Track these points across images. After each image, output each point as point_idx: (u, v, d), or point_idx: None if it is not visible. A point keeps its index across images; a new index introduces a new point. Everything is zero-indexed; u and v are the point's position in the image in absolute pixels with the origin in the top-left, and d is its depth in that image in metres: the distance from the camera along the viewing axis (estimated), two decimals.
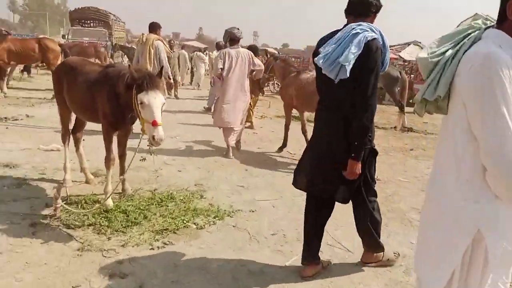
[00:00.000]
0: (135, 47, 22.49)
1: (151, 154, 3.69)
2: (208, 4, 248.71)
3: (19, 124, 7.15)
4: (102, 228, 3.33)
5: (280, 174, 5.41)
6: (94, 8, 22.95)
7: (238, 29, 6.09)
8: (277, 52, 31.70)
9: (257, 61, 6.26)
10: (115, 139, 4.02)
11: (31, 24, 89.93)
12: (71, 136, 4.46)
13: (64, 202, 3.71)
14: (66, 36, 21.34)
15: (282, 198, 4.47)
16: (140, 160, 3.84)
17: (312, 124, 3.09)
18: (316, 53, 2.63)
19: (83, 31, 21.40)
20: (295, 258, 3.09)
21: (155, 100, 3.26)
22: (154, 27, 7.05)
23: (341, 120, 2.58)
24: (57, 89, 4.21)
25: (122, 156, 4.11)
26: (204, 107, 10.87)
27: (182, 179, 4.84)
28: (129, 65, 3.35)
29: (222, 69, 5.88)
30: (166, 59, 7.05)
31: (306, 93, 5.90)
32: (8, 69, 12.30)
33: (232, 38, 6.01)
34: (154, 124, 3.23)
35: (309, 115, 6.78)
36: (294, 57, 29.12)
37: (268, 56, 7.33)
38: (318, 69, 2.62)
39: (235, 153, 6.28)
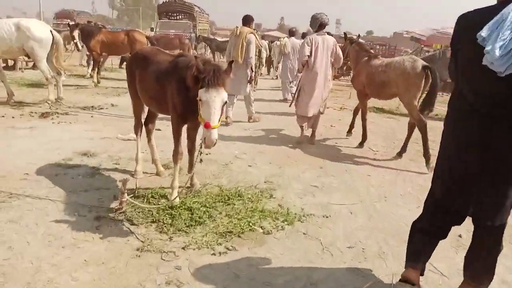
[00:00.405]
0: (217, 39, 23.26)
1: (200, 161, 3.47)
2: None
3: (104, 113, 7.47)
4: (165, 226, 3.15)
5: (360, 174, 4.86)
6: (180, 1, 23.71)
7: (326, 15, 5.93)
8: (359, 35, 29.87)
9: (339, 49, 6.02)
10: (185, 133, 3.84)
11: (127, 19, 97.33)
12: (143, 127, 4.40)
13: (132, 195, 3.65)
14: (154, 29, 22.44)
15: (361, 203, 3.95)
16: (206, 154, 3.60)
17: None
18: (462, 36, 2.13)
19: (169, 24, 22.30)
20: (374, 282, 2.61)
21: (214, 99, 2.96)
22: (247, 20, 7.07)
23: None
24: (129, 79, 4.15)
25: (191, 151, 3.92)
26: (280, 100, 10.56)
27: (251, 175, 4.55)
28: (195, 56, 3.05)
29: (309, 56, 5.74)
30: (254, 52, 7.02)
31: (377, 81, 5.61)
32: (101, 60, 13.22)
33: (321, 24, 5.85)
34: (207, 126, 2.96)
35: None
36: (380, 44, 27.48)
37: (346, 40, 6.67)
38: (465, 59, 2.11)
39: (308, 148, 5.86)
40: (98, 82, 10.97)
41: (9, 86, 7.91)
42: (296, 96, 6.22)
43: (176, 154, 3.64)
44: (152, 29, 23.25)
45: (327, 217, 3.56)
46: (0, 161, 4.44)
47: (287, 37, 11.08)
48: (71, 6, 39.06)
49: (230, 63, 3.15)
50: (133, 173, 4.32)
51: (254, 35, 6.99)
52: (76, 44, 11.49)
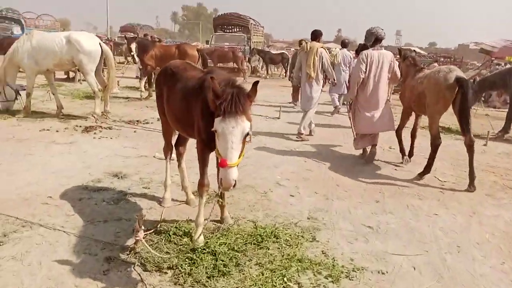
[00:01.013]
0: (272, 51, 22.93)
1: (218, 201, 3.07)
2: (347, 4, 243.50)
3: (148, 128, 7.23)
4: (182, 275, 2.64)
5: (425, 213, 4.05)
6: (236, 14, 23.78)
7: (382, 29, 5.64)
8: (414, 50, 28.39)
9: (396, 65, 5.68)
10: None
11: (187, 33, 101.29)
12: (173, 150, 3.98)
13: (153, 229, 3.20)
14: (209, 42, 22.65)
15: (427, 254, 3.18)
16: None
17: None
18: None
19: (224, 37, 22.41)
20: None
21: (231, 131, 2.39)
22: (316, 35, 7.06)
23: None
24: (158, 96, 3.75)
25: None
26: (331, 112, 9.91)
27: (293, 208, 3.94)
28: (211, 77, 2.49)
29: (365, 72, 5.50)
30: (330, 66, 7.05)
31: (415, 94, 5.32)
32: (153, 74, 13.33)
33: (377, 38, 5.58)
34: (223, 164, 2.38)
35: None
36: (444, 57, 25.61)
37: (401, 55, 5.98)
38: None
39: (362, 175, 5.14)
40: (150, 95, 10.93)
41: (59, 99, 7.99)
42: (351, 117, 5.94)
43: (201, 185, 3.12)
44: (207, 42, 23.48)
45: (383, 273, 2.85)
46: (30, 182, 4.23)
47: (339, 48, 10.75)
48: (137, 20, 41.08)
49: (255, 83, 2.56)
50: (161, 200, 3.90)
51: (325, 49, 7.02)
52: (133, 56, 11.61)
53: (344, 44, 10.60)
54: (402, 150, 5.88)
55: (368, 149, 5.91)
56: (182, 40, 50.43)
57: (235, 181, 2.43)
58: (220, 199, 3.35)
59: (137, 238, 2.83)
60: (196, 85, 3.06)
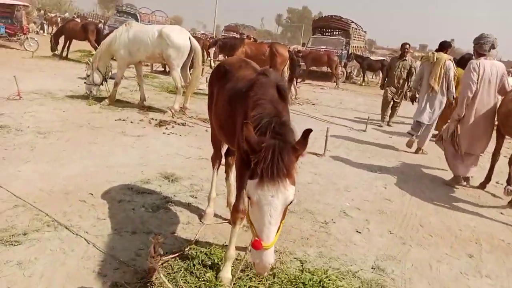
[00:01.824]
0: (371, 58, 21.51)
1: None
2: (462, 11, 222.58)
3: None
4: None
5: None
6: (337, 17, 22.78)
7: (496, 37, 5.00)
8: None
9: (507, 80, 4.93)
10: None
11: (289, 35, 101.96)
12: (222, 159, 3.48)
13: (179, 253, 2.73)
14: (306, 44, 22.03)
15: None
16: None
17: None
18: None
19: (321, 39, 21.60)
20: None
21: (270, 201, 1.71)
22: (445, 46, 6.65)
23: None
24: (209, 96, 3.28)
25: None
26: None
27: (355, 250, 3.16)
28: (246, 122, 1.83)
29: (476, 83, 4.83)
30: (453, 79, 6.44)
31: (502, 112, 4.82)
32: None
33: (493, 46, 4.96)
34: (257, 246, 1.70)
35: None
36: None
37: None
38: None
39: (455, 214, 4.10)
40: None
41: (143, 90, 8.10)
42: (451, 133, 5.17)
43: (236, 211, 2.51)
44: (303, 44, 22.91)
45: None
46: (79, 173, 4.09)
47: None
48: (243, 21, 42.16)
49: (306, 134, 1.79)
50: (202, 214, 3.43)
51: (452, 61, 6.55)
52: (210, 62, 11.50)
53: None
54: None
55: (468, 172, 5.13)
56: (282, 42, 50.59)
57: (271, 264, 1.78)
58: None
59: (151, 265, 2.37)
60: (245, 87, 2.49)
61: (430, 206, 4.35)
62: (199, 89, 11.15)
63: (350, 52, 21.47)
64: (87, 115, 6.62)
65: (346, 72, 20.68)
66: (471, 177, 5.19)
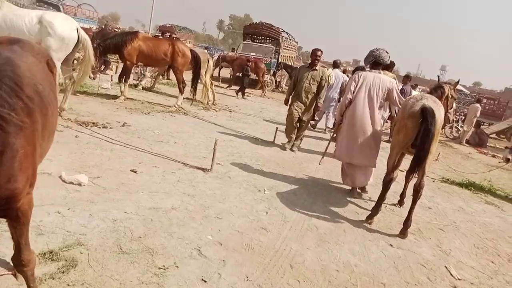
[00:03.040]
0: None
1: None
2: (392, 33, 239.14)
3: (99, 134, 5.84)
4: None
5: None
6: (268, 24, 22.47)
7: (387, 52, 5.06)
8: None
9: (396, 94, 4.96)
10: None
11: (231, 42, 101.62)
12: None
13: None
14: (236, 50, 21.42)
15: None
16: None
17: None
18: None
19: (252, 46, 21.13)
20: None
21: None
22: (390, 65, 6.86)
23: None
24: None
25: None
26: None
27: None
28: None
29: (353, 92, 5.01)
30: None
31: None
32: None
33: (376, 62, 5.04)
34: None
35: None
36: (487, 98, 23.40)
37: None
38: None
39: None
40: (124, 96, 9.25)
41: None
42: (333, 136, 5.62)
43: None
44: (233, 50, 22.29)
45: None
46: None
47: (332, 68, 10.55)
48: (185, 24, 40.15)
49: None
50: None
51: (395, 79, 6.71)
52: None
53: (336, 65, 10.52)
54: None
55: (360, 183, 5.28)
56: (224, 48, 48.84)
57: None
58: None
59: None
60: None
61: (312, 236, 3.72)
62: (103, 87, 9.96)
63: (279, 61, 21.26)
64: None
65: (276, 80, 20.38)
66: (365, 186, 5.35)
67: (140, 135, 6.29)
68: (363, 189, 5.38)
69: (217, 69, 19.13)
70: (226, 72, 20.53)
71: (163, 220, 3.45)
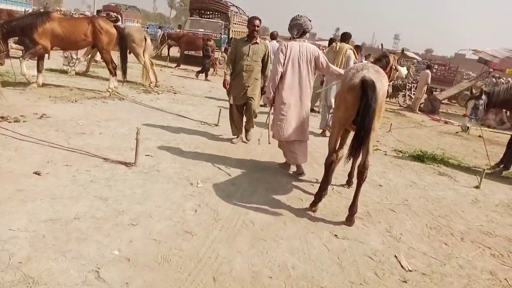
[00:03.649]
0: None
1: None
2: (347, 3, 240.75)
3: (4, 132, 4.99)
4: None
5: None
6: None
7: (310, 20, 4.75)
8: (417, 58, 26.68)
9: (324, 59, 4.75)
10: None
11: (183, 19, 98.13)
12: None
13: None
14: (183, 26, 20.29)
15: None
16: None
17: None
18: None
19: (199, 22, 20.10)
20: None
21: None
22: (346, 37, 7.45)
23: None
24: None
25: None
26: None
27: None
28: None
29: (283, 64, 4.62)
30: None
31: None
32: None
33: (304, 32, 4.71)
34: None
35: None
36: (438, 64, 23.84)
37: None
38: None
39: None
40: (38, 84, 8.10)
41: None
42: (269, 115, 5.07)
43: None
44: (179, 27, 21.15)
45: None
46: None
47: (269, 40, 10.49)
48: (132, 2, 37.17)
49: None
50: None
51: (353, 51, 7.27)
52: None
53: (273, 37, 10.68)
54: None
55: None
56: (175, 26, 45.23)
57: None
58: None
59: None
60: None
61: (246, 235, 3.22)
62: (32, 75, 8.80)
63: (231, 37, 20.40)
64: None
65: (226, 56, 19.58)
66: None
67: (59, 127, 5.48)
68: (299, 168, 4.95)
69: (165, 49, 18.08)
70: (175, 51, 19.43)
71: (59, 235, 2.81)
